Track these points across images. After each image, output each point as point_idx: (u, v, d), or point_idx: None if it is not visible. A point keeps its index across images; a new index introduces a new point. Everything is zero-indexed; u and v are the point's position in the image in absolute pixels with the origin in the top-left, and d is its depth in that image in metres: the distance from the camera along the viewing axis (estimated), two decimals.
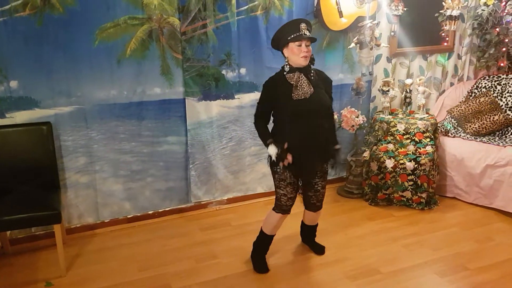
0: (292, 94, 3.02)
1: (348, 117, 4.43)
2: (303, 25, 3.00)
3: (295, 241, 3.78)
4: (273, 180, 3.25)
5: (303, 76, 3.05)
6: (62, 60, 3.59)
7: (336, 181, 4.99)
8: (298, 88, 3.03)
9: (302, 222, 3.67)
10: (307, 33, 3.00)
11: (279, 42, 3.07)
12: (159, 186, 4.21)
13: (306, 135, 3.05)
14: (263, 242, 3.43)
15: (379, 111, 4.77)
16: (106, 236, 3.97)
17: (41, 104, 3.62)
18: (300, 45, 2.98)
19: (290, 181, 3.16)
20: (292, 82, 3.03)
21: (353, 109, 4.50)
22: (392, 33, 4.72)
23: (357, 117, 4.45)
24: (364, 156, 4.45)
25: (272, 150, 3.00)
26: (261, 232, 3.40)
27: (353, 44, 4.38)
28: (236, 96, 4.30)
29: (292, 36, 2.98)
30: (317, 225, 3.64)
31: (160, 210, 4.27)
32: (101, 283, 3.29)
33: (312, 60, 3.10)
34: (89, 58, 3.67)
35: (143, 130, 4.01)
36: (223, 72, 4.16)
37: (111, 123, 3.89)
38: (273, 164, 3.15)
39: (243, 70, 4.24)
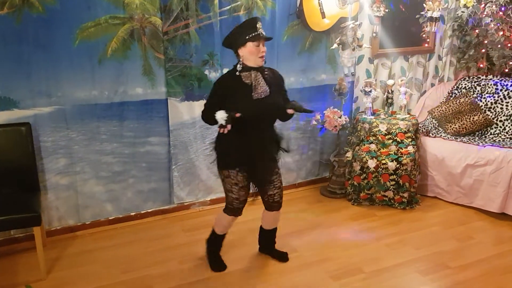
0: (253, 94, 2.99)
1: (331, 117, 4.45)
2: (259, 25, 2.97)
3: (277, 241, 3.77)
4: (223, 184, 3.21)
5: (260, 75, 3.04)
6: (42, 60, 3.54)
7: (319, 181, 5.00)
8: (258, 87, 3.01)
9: (261, 229, 3.56)
10: (263, 32, 2.99)
11: (235, 41, 3.00)
12: (141, 187, 4.17)
13: (261, 134, 3.06)
14: (216, 241, 3.43)
15: (362, 112, 4.80)
16: (87, 238, 3.92)
17: (20, 104, 3.56)
18: (258, 45, 2.96)
19: (243, 185, 3.14)
20: (247, 82, 3.00)
21: (335, 109, 4.52)
22: (374, 34, 4.75)
23: (340, 117, 4.48)
24: (347, 156, 4.47)
25: (221, 115, 2.85)
26: (213, 232, 3.40)
27: (335, 45, 4.40)
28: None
29: (251, 35, 2.93)
30: (276, 229, 3.54)
31: (142, 212, 4.24)
32: (83, 286, 3.25)
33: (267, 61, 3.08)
34: (69, 58, 3.62)
35: (124, 131, 3.97)
36: (206, 72, 4.14)
37: (92, 123, 3.84)
38: (222, 168, 3.13)
39: (226, 71, 4.18)
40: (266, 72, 3.09)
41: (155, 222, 4.21)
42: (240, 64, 3.02)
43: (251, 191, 3.27)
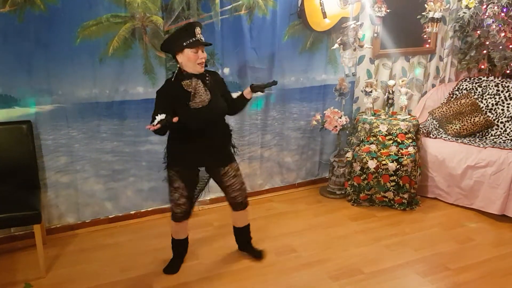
0: (190, 103, 2.95)
1: (331, 117, 4.46)
2: (198, 30, 2.91)
3: (276, 241, 3.78)
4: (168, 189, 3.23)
5: (200, 83, 2.99)
6: (43, 58, 3.54)
7: (319, 182, 5.00)
8: (196, 96, 2.96)
9: (234, 228, 3.58)
10: (202, 38, 2.93)
11: (172, 47, 2.95)
12: (141, 186, 4.17)
13: (203, 141, 3.04)
14: (175, 245, 3.45)
15: (362, 112, 4.80)
16: (87, 236, 3.93)
17: (21, 102, 3.56)
18: (197, 52, 2.90)
19: (179, 187, 3.14)
20: (189, 90, 2.95)
21: (336, 109, 4.52)
22: (375, 35, 4.74)
23: (340, 117, 4.48)
24: (347, 157, 4.47)
25: (160, 116, 2.73)
26: (171, 236, 3.43)
27: (336, 45, 4.40)
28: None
29: (189, 41, 2.87)
30: (249, 226, 3.56)
31: (142, 210, 4.24)
32: (82, 284, 3.25)
33: (205, 62, 3.01)
34: (70, 56, 3.62)
35: (125, 130, 3.97)
36: None
37: (93, 122, 3.84)
38: (166, 167, 3.16)
39: (226, 70, 4.21)
40: (207, 78, 3.04)
41: (155, 221, 4.21)
42: (181, 71, 2.96)
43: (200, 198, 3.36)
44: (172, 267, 3.42)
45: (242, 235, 3.59)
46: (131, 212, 4.20)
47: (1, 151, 3.49)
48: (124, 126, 3.96)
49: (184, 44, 2.87)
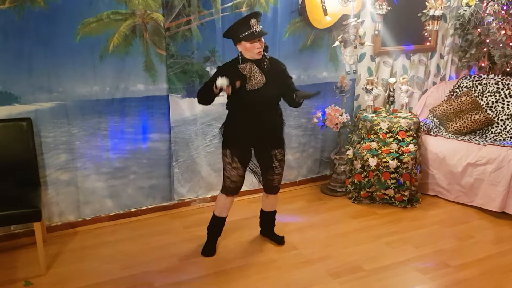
0: (246, 85, 3.15)
1: (332, 115, 4.45)
2: (253, 21, 3.06)
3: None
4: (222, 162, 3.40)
5: (255, 66, 3.16)
6: (43, 55, 3.52)
7: (320, 179, 5.00)
8: (252, 78, 3.15)
9: (261, 211, 3.74)
10: (258, 28, 3.08)
11: (232, 37, 3.17)
12: (142, 184, 4.17)
13: (257, 122, 3.23)
14: (213, 223, 3.59)
15: (363, 110, 4.79)
16: (88, 234, 3.92)
17: (21, 99, 3.55)
18: (253, 43, 3.08)
19: (235, 166, 3.32)
20: (245, 73, 3.15)
21: (337, 107, 4.52)
22: (376, 32, 4.74)
23: (341, 115, 4.47)
24: (348, 154, 4.47)
25: (220, 80, 3.00)
26: (213, 213, 3.57)
27: (337, 43, 4.40)
28: (220, 94, 4.26)
29: (244, 34, 3.06)
30: (275, 212, 3.72)
31: (143, 208, 4.23)
32: (82, 282, 3.24)
33: (265, 48, 3.20)
34: (71, 53, 3.60)
35: (126, 127, 3.96)
36: (208, 69, 4.13)
37: (93, 119, 3.83)
38: (222, 146, 3.37)
39: None
40: (264, 63, 3.20)
41: (156, 218, 4.20)
42: (240, 56, 3.18)
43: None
44: (210, 249, 3.59)
45: (268, 220, 3.75)
46: (132, 210, 4.19)
47: (1, 148, 3.48)
48: (125, 123, 3.95)
49: (241, 36, 3.07)
